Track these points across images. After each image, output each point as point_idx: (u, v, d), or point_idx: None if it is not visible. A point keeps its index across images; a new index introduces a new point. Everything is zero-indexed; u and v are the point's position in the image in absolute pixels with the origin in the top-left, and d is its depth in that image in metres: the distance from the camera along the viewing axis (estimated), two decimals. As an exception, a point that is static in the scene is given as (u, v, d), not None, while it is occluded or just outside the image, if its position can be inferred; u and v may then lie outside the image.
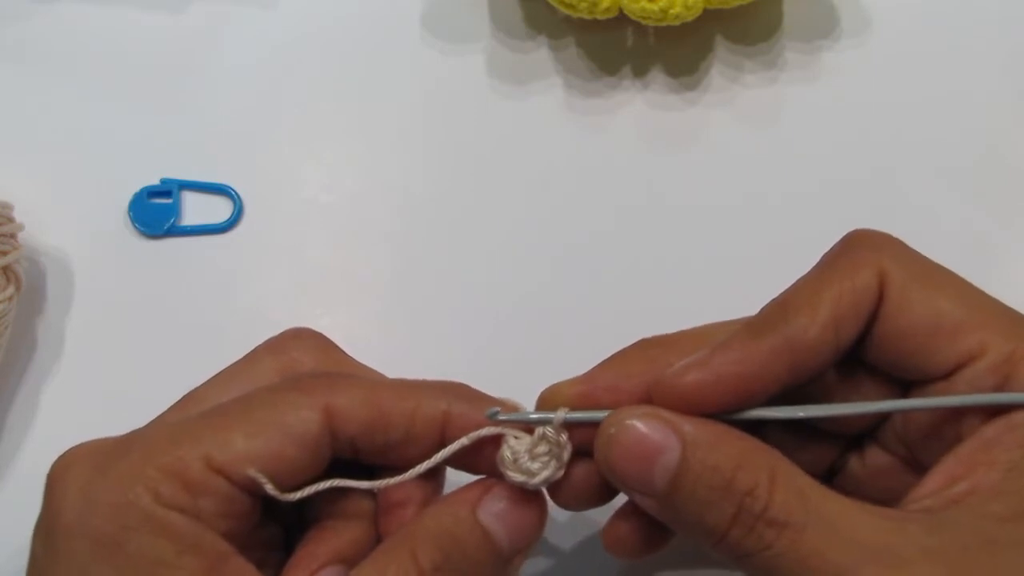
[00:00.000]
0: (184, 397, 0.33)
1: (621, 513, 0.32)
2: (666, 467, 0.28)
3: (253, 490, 0.30)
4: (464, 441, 0.31)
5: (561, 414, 0.31)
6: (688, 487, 0.28)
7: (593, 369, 0.32)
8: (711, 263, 0.43)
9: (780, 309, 0.30)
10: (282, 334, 0.34)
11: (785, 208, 0.44)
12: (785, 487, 0.28)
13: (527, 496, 0.31)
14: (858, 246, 0.31)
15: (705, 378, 0.29)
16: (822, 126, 0.46)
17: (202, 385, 0.33)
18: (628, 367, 0.31)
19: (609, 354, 0.32)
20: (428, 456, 0.31)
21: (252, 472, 0.29)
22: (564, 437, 0.31)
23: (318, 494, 0.31)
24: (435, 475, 0.33)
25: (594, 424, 0.30)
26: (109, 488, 0.29)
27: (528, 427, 0.31)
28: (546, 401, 0.32)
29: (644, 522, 0.32)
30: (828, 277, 0.31)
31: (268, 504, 0.31)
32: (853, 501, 0.28)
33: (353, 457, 0.32)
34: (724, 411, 0.30)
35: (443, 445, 0.31)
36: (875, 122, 0.46)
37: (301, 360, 0.33)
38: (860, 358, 0.31)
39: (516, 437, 0.31)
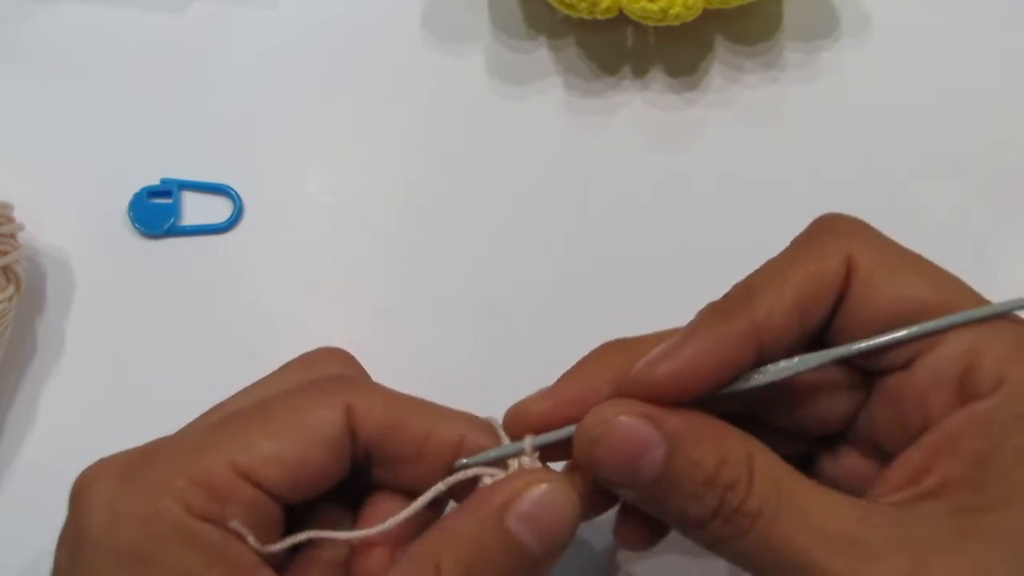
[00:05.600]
0: (213, 408, 0.33)
1: (626, 509, 0.32)
2: (651, 463, 0.28)
3: (277, 495, 0.29)
4: (440, 487, 0.30)
5: (528, 441, 0.30)
6: (672, 481, 0.28)
7: (557, 382, 0.32)
8: (711, 262, 0.43)
9: (745, 292, 0.30)
10: (314, 351, 0.34)
11: (785, 208, 0.44)
12: (763, 478, 0.28)
13: (558, 496, 0.29)
14: (826, 231, 0.31)
15: (675, 368, 0.29)
16: (822, 126, 0.46)
17: (230, 398, 0.33)
18: (592, 377, 0.31)
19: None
20: (433, 482, 0.31)
21: (234, 524, 0.28)
22: (538, 464, 0.30)
23: (307, 515, 0.30)
24: (424, 515, 0.32)
25: (564, 441, 0.30)
26: (136, 500, 0.28)
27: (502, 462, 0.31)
28: (513, 420, 0.31)
29: (647, 517, 0.31)
30: (793, 261, 0.31)
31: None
32: (827, 490, 0.28)
33: (366, 466, 0.31)
34: (694, 398, 0.29)
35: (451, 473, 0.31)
36: (875, 122, 0.46)
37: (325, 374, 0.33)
38: (828, 344, 0.31)
39: (492, 475, 0.30)
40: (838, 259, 0.30)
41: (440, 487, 0.30)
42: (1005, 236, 0.44)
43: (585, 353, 0.32)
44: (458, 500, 0.32)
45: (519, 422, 0.31)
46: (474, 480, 0.31)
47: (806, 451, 0.33)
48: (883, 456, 0.31)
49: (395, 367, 0.35)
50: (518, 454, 0.30)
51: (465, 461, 0.31)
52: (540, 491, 0.29)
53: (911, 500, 0.28)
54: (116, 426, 0.40)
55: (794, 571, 0.27)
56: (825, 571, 0.27)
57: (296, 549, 0.31)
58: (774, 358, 0.30)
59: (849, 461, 0.32)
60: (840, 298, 0.30)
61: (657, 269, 0.43)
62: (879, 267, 0.30)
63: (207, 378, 0.34)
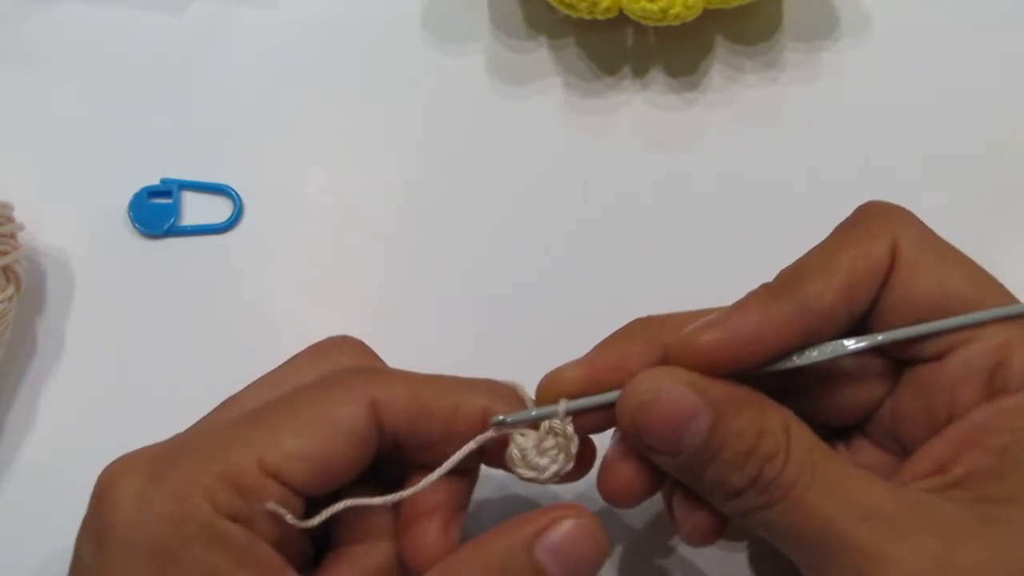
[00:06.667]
0: (225, 401, 0.33)
1: (614, 458, 0.32)
2: (696, 432, 0.28)
3: (302, 491, 0.29)
4: (472, 445, 0.31)
5: (563, 405, 0.31)
6: (714, 451, 0.28)
7: (592, 351, 0.32)
8: (711, 262, 0.43)
9: (796, 275, 0.30)
10: (325, 340, 0.34)
11: (785, 208, 0.44)
12: (798, 450, 0.28)
13: (588, 532, 0.29)
14: (872, 216, 0.32)
15: (723, 337, 0.29)
16: (822, 126, 0.46)
17: (243, 389, 0.33)
18: (627, 347, 0.31)
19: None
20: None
21: (270, 505, 0.28)
22: (570, 429, 0.31)
23: (337, 513, 0.30)
24: (461, 480, 0.32)
25: (599, 408, 0.30)
26: (164, 498, 0.28)
27: (534, 423, 0.31)
28: (547, 388, 0.31)
29: (638, 466, 0.31)
30: (842, 245, 0.31)
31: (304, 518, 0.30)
32: (859, 468, 0.29)
33: (395, 453, 0.31)
34: (735, 372, 0.30)
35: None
36: (875, 122, 0.46)
37: (343, 365, 0.33)
38: (868, 330, 0.31)
39: (523, 434, 0.31)
40: (884, 244, 0.30)
41: (472, 445, 0.31)
42: (1005, 236, 0.44)
43: (586, 352, 0.32)
44: (488, 461, 0.32)
45: (552, 389, 0.31)
46: (505, 439, 0.31)
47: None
48: (899, 450, 0.32)
49: (395, 367, 0.35)
50: (551, 417, 0.31)
51: (501, 418, 0.31)
52: (570, 526, 0.29)
53: (937, 488, 0.28)
54: (116, 426, 0.40)
55: (821, 543, 0.28)
56: (853, 544, 0.27)
57: (333, 546, 0.31)
58: (820, 341, 0.30)
59: (864, 455, 0.33)
60: (884, 283, 0.30)
61: (657, 269, 0.43)
62: (922, 255, 0.30)
63: (207, 378, 0.34)
